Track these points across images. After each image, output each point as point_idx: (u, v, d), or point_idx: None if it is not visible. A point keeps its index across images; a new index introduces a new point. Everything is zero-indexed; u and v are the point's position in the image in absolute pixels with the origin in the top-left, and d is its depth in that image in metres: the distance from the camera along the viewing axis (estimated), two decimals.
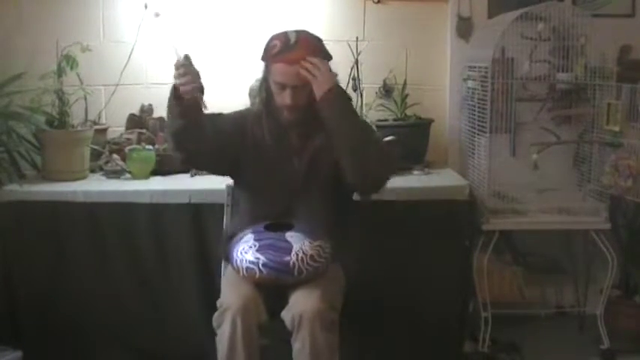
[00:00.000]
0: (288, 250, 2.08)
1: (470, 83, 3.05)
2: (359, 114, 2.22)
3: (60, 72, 2.84)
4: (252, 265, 2.08)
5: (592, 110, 2.99)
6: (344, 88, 2.25)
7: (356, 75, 3.18)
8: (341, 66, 3.16)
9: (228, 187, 2.57)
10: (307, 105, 2.21)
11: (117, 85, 3.18)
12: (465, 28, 3.21)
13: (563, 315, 3.29)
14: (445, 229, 2.71)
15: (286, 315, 2.08)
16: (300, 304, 2.06)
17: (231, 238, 2.31)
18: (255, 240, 2.12)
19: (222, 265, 2.45)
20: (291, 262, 2.06)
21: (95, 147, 2.99)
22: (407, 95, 3.14)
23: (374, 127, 2.52)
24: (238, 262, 2.11)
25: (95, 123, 3.06)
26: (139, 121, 3.19)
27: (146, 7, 3.17)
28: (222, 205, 2.58)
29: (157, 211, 2.68)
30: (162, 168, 2.93)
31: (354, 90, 3.18)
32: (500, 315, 2.94)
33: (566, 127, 3.14)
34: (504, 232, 2.95)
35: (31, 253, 2.69)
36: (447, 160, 3.25)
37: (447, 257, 2.71)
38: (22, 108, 2.84)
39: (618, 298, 3.06)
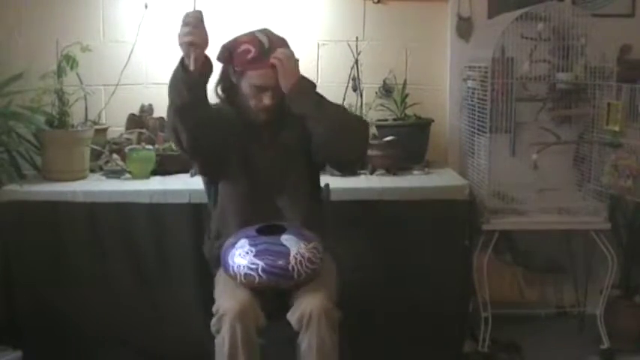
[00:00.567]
0: (286, 254, 2.07)
1: (470, 83, 3.05)
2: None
3: (60, 72, 2.84)
4: (250, 272, 2.06)
5: (592, 110, 2.99)
6: (314, 81, 2.24)
7: (356, 75, 3.18)
8: (341, 66, 3.20)
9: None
10: (281, 100, 2.22)
11: (117, 85, 3.18)
12: (465, 28, 3.21)
13: (563, 315, 3.29)
14: (445, 229, 2.71)
15: (292, 316, 2.08)
16: (308, 303, 2.06)
17: (216, 237, 2.33)
18: (250, 245, 2.10)
19: (212, 267, 2.43)
20: (290, 266, 2.06)
21: (95, 147, 2.99)
22: (407, 95, 3.14)
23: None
24: (235, 268, 2.09)
25: (95, 123, 3.07)
26: (139, 121, 3.20)
27: (146, 7, 3.17)
28: None
29: (157, 211, 2.68)
30: (162, 168, 2.93)
31: (354, 90, 3.19)
32: (500, 315, 2.94)
33: (566, 127, 3.14)
34: (504, 232, 2.95)
35: (31, 253, 2.69)
36: (447, 160, 3.25)
37: (447, 257, 2.71)
38: (22, 108, 2.84)
39: (618, 298, 3.06)
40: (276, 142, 2.32)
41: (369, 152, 2.93)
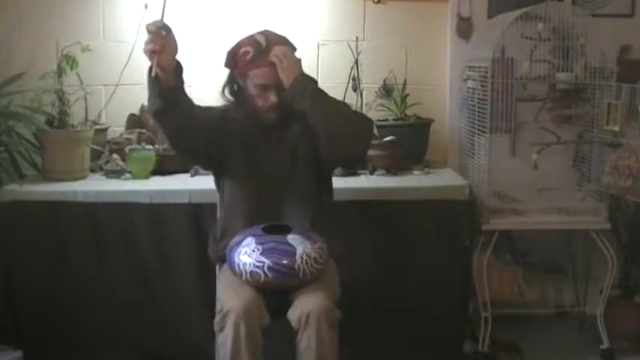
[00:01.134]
0: (292, 253, 2.08)
1: (470, 83, 3.05)
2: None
3: (60, 72, 2.84)
4: (256, 269, 2.07)
5: (592, 110, 2.99)
6: (316, 79, 2.26)
7: (356, 75, 3.18)
8: (341, 66, 3.19)
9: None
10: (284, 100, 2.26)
11: (117, 85, 3.17)
12: (465, 28, 3.21)
13: (563, 315, 3.29)
14: (445, 229, 2.71)
15: (292, 314, 2.08)
16: (308, 303, 2.06)
17: (222, 237, 2.33)
18: (257, 243, 2.11)
19: (217, 267, 2.44)
20: (297, 265, 2.07)
21: (95, 147, 2.99)
22: (407, 95, 3.15)
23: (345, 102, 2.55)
24: (241, 266, 2.10)
25: (95, 123, 3.06)
26: (139, 121, 3.20)
27: (146, 7, 3.17)
28: None
29: (157, 211, 2.68)
30: (162, 168, 2.93)
31: (354, 90, 3.19)
32: (500, 315, 2.94)
33: (566, 127, 3.14)
34: (504, 232, 2.95)
35: (31, 253, 2.69)
36: (447, 160, 3.25)
37: (447, 257, 2.71)
38: (22, 108, 2.84)
39: (618, 298, 3.06)
40: (283, 142, 2.34)
41: (369, 152, 2.93)
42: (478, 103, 2.92)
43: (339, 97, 3.13)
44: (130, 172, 2.90)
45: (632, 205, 3.01)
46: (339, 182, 2.69)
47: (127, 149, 2.92)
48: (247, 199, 2.33)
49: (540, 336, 3.13)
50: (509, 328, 3.04)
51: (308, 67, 2.43)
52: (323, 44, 3.24)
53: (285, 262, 2.07)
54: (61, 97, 2.83)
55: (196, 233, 2.68)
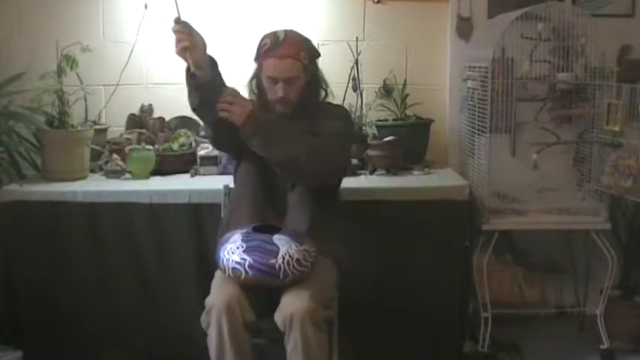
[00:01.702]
0: (274, 252, 2.09)
1: (470, 83, 3.05)
2: (283, 129, 2.27)
3: (60, 72, 2.84)
4: (238, 266, 2.09)
5: (592, 110, 2.99)
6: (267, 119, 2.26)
7: (356, 75, 3.18)
8: (341, 66, 3.19)
9: (225, 187, 2.59)
10: (298, 101, 2.33)
11: (117, 85, 3.18)
12: (465, 28, 3.21)
13: (563, 315, 3.29)
14: (445, 229, 2.71)
15: (277, 316, 2.09)
16: (291, 304, 2.07)
17: (225, 230, 2.34)
18: (242, 241, 2.13)
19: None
20: (277, 265, 2.07)
21: (95, 147, 2.99)
22: (407, 95, 3.14)
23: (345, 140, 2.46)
24: (225, 261, 2.13)
25: (95, 123, 3.07)
26: (138, 121, 3.20)
27: (146, 7, 3.17)
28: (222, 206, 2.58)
29: (157, 211, 2.68)
30: (162, 168, 2.93)
31: (354, 90, 3.19)
32: (500, 315, 2.94)
33: (566, 127, 3.14)
34: (504, 232, 2.95)
35: (31, 253, 2.69)
36: (447, 160, 3.25)
37: (447, 257, 2.71)
38: (22, 108, 2.85)
39: (618, 298, 3.06)
40: None
41: (369, 152, 2.94)
42: (478, 103, 2.92)
43: (340, 98, 3.15)
44: (129, 172, 2.90)
45: (632, 205, 3.01)
46: None
47: (126, 149, 2.92)
48: (254, 196, 2.36)
49: (540, 336, 3.13)
50: (509, 328, 3.04)
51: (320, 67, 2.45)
52: (323, 44, 3.23)
53: (266, 261, 2.08)
54: (61, 97, 2.83)
55: (196, 233, 2.69)
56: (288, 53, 2.29)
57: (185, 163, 2.95)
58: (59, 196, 2.70)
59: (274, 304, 2.14)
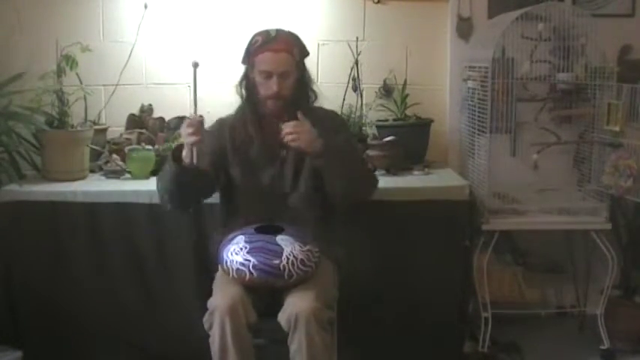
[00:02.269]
0: (278, 253, 2.09)
1: (470, 83, 3.04)
2: (349, 147, 2.38)
3: (60, 72, 2.84)
4: (242, 267, 2.09)
5: (592, 110, 2.99)
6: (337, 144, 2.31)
7: (356, 75, 3.18)
8: (341, 66, 3.19)
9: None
10: (291, 95, 2.33)
11: (117, 85, 3.18)
12: (465, 28, 3.21)
13: (563, 315, 3.29)
14: (445, 229, 2.71)
15: (282, 317, 2.09)
16: (295, 305, 2.07)
17: (222, 233, 2.34)
18: (245, 242, 2.13)
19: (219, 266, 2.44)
20: (282, 265, 2.07)
21: (95, 147, 2.99)
22: (407, 95, 3.14)
23: (360, 152, 2.61)
24: (229, 263, 2.12)
25: (95, 123, 3.07)
26: (138, 121, 3.20)
27: (146, 7, 3.17)
28: None
29: (157, 211, 2.68)
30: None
31: (354, 90, 3.19)
32: (500, 315, 2.94)
33: (566, 127, 3.13)
34: (504, 232, 2.95)
35: (31, 253, 2.69)
36: (447, 160, 3.24)
37: (447, 257, 2.71)
38: (22, 108, 2.84)
39: (618, 298, 3.06)
40: (287, 159, 2.35)
41: (369, 152, 2.94)
42: (478, 103, 2.91)
43: (340, 98, 3.15)
44: (129, 172, 2.89)
45: (632, 205, 3.01)
46: None
47: (126, 149, 2.92)
48: (250, 202, 2.37)
49: (540, 336, 3.12)
50: (509, 328, 3.04)
51: (308, 67, 2.45)
52: (323, 44, 3.23)
53: (270, 261, 2.08)
54: (61, 97, 2.83)
55: (196, 233, 2.68)
56: (283, 47, 2.31)
57: None
58: (59, 196, 2.70)
59: (276, 304, 2.14)
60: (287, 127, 2.22)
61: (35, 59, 3.06)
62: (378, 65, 3.21)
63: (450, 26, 3.22)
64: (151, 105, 3.24)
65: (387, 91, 3.22)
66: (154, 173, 2.90)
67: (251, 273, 2.08)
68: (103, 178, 2.92)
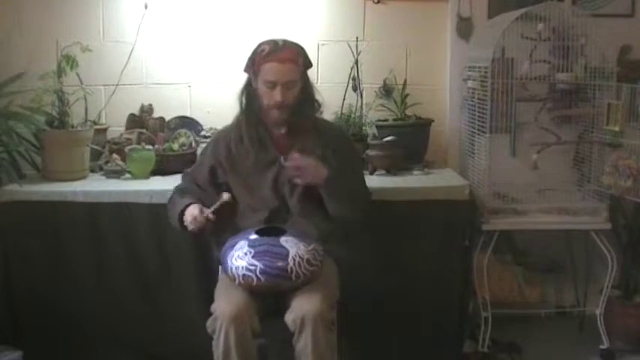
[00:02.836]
0: (284, 255, 2.08)
1: (470, 83, 3.04)
2: (349, 172, 2.41)
3: (60, 72, 2.84)
4: (249, 273, 2.07)
5: (592, 110, 2.99)
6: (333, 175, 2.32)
7: (356, 75, 3.18)
8: (341, 66, 3.19)
9: None
10: (295, 104, 2.33)
11: (117, 85, 3.18)
12: (465, 28, 3.21)
13: (563, 315, 3.29)
14: (445, 229, 2.71)
15: (288, 317, 2.09)
16: (303, 306, 2.07)
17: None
18: (249, 246, 2.11)
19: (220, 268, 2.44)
20: (289, 267, 2.06)
21: (95, 147, 2.99)
22: (407, 95, 3.14)
23: (360, 172, 2.62)
24: (234, 269, 2.10)
25: (95, 123, 3.07)
26: (138, 121, 3.20)
27: (146, 7, 3.17)
28: None
29: (157, 211, 2.68)
30: (162, 168, 2.93)
31: (354, 90, 3.19)
32: (500, 315, 2.94)
33: (566, 127, 3.14)
34: (504, 232, 2.95)
35: (31, 253, 2.69)
36: (447, 160, 3.25)
37: (447, 257, 2.71)
38: (22, 108, 2.84)
39: (618, 298, 3.06)
40: (291, 147, 2.35)
41: (369, 152, 2.94)
42: (478, 103, 2.92)
43: (340, 98, 3.15)
44: (130, 172, 2.89)
45: (632, 205, 3.01)
46: None
47: (126, 149, 2.92)
48: (251, 210, 2.39)
49: (540, 336, 3.13)
50: (509, 328, 3.04)
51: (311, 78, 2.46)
52: (323, 44, 3.23)
53: (277, 264, 2.06)
54: (61, 97, 2.83)
55: (196, 233, 2.68)
56: (289, 57, 2.31)
57: (185, 163, 2.94)
58: (59, 196, 2.70)
59: (280, 304, 2.14)
60: (291, 162, 2.24)
61: (35, 59, 3.06)
62: (377, 65, 3.21)
63: (449, 26, 3.22)
64: (151, 105, 3.24)
65: (386, 91, 3.22)
66: (154, 173, 2.91)
67: (258, 278, 2.07)
68: (103, 178, 2.92)
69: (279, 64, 2.29)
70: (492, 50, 2.79)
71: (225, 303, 2.11)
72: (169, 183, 2.81)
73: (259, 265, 2.06)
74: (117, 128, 3.18)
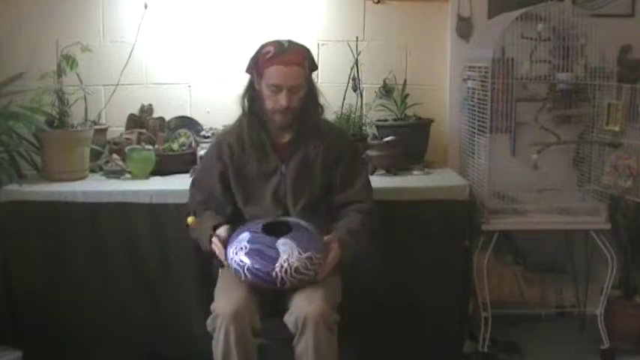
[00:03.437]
0: (273, 259, 2.08)
1: (470, 83, 3.05)
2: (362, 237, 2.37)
3: (60, 72, 2.84)
4: (238, 268, 2.11)
5: (592, 110, 2.99)
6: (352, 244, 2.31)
7: (356, 75, 3.18)
8: (341, 66, 3.19)
9: None
10: (299, 109, 2.28)
11: (117, 85, 3.18)
12: (465, 28, 3.21)
13: (563, 315, 3.29)
14: (445, 229, 2.71)
15: (289, 318, 2.09)
16: (304, 307, 2.07)
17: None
18: (247, 241, 2.13)
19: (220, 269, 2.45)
20: (274, 273, 2.07)
21: (95, 147, 2.99)
22: (407, 95, 3.14)
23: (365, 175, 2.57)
24: (230, 260, 2.15)
25: (95, 123, 3.07)
26: (138, 121, 3.20)
27: (146, 7, 3.17)
28: None
29: (157, 211, 2.68)
30: (162, 168, 2.93)
31: (354, 90, 3.18)
32: (500, 315, 2.94)
33: (566, 127, 3.13)
34: (504, 232, 2.95)
35: (31, 253, 2.69)
36: (447, 160, 3.25)
37: (447, 257, 2.71)
38: (22, 108, 2.84)
39: (618, 298, 3.06)
40: (292, 154, 2.34)
41: (369, 152, 2.94)
42: (478, 103, 2.92)
43: (340, 98, 3.15)
44: (129, 172, 2.89)
45: (632, 205, 3.01)
46: None
47: (126, 149, 2.92)
48: (251, 217, 2.37)
49: (540, 336, 3.13)
50: (509, 328, 3.04)
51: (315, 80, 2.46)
52: (323, 44, 3.23)
53: (262, 267, 2.07)
54: (61, 97, 2.83)
55: None
56: (295, 60, 2.24)
57: (185, 163, 2.94)
58: (59, 196, 2.70)
59: (280, 304, 2.15)
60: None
61: (35, 59, 3.06)
62: (377, 65, 3.21)
63: (449, 26, 3.22)
64: (151, 105, 3.24)
65: (386, 91, 3.22)
66: (154, 173, 2.91)
67: (245, 275, 2.09)
68: (103, 178, 2.92)
69: (285, 67, 2.22)
70: (492, 50, 2.80)
71: (225, 301, 2.11)
72: (169, 183, 2.82)
73: (247, 263, 2.08)
74: (117, 128, 3.18)
